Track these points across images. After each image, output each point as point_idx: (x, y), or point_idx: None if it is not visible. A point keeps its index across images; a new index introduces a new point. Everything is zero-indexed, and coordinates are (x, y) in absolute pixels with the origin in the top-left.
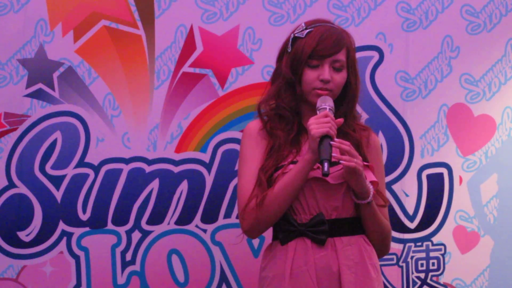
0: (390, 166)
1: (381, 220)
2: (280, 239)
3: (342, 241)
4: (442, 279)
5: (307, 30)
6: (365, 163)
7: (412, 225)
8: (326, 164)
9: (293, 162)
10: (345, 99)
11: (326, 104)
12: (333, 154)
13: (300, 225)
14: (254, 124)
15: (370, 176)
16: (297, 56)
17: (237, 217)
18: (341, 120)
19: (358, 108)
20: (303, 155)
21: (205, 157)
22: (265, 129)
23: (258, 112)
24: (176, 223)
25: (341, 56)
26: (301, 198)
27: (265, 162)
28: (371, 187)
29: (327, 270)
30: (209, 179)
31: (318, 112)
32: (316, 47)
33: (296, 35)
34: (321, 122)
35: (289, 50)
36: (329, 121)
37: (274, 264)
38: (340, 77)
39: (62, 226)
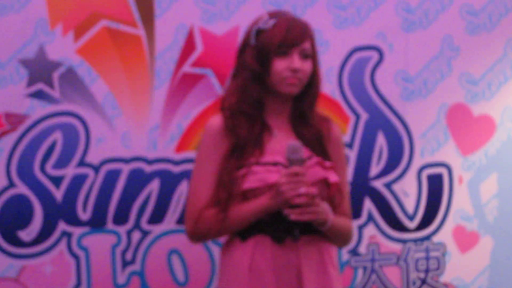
0: (390, 166)
1: (342, 230)
2: (240, 235)
3: (302, 239)
4: (442, 279)
5: (272, 21)
6: (328, 165)
7: (412, 225)
8: (297, 231)
9: (258, 164)
10: (311, 89)
11: (298, 154)
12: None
13: (260, 222)
14: (216, 122)
15: (331, 177)
16: (265, 47)
17: None
18: (315, 192)
19: (358, 108)
20: (265, 197)
21: None
22: (227, 126)
23: (222, 109)
24: (176, 223)
25: (308, 45)
26: None
27: (227, 163)
28: (329, 212)
29: (287, 268)
30: None
31: (289, 163)
32: (285, 36)
33: (260, 27)
34: (294, 182)
35: (253, 42)
36: (300, 180)
37: (233, 260)
38: (308, 66)
39: (62, 226)
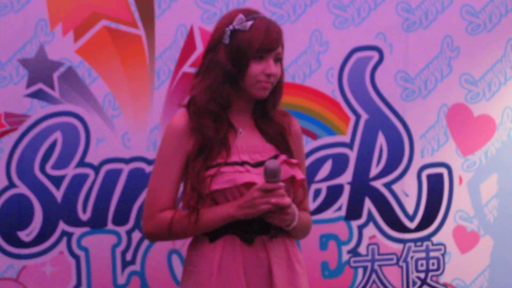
0: (390, 166)
1: (304, 226)
2: (209, 236)
3: (269, 238)
4: (442, 279)
5: (249, 23)
6: (294, 162)
7: (412, 225)
8: (274, 231)
9: (227, 164)
10: (276, 90)
11: (276, 178)
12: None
13: (229, 224)
14: (179, 120)
15: (298, 174)
16: (242, 49)
17: None
18: (289, 202)
19: (358, 108)
20: (231, 205)
21: None
22: (192, 126)
23: (188, 107)
24: None
25: (281, 49)
26: (230, 198)
27: (194, 164)
28: (296, 212)
29: (256, 267)
30: None
31: (265, 179)
32: (264, 40)
33: (236, 27)
34: (267, 197)
35: (227, 41)
36: (273, 195)
37: (201, 260)
38: (279, 69)
39: (62, 226)
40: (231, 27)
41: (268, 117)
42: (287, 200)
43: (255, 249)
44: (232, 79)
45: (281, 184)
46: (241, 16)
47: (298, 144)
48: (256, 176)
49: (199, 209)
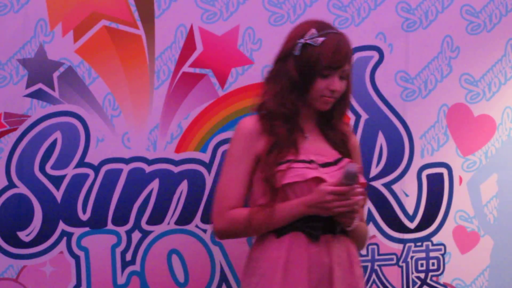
0: (390, 166)
1: (362, 232)
2: (276, 232)
3: (332, 238)
4: (442, 279)
5: (321, 39)
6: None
7: (412, 225)
8: (339, 227)
9: (298, 161)
10: (343, 103)
11: (354, 180)
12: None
13: (296, 220)
14: (250, 122)
15: (362, 178)
16: (310, 64)
17: None
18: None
19: (358, 108)
20: (300, 201)
21: (205, 157)
22: (265, 126)
23: (258, 110)
24: (176, 223)
25: (348, 66)
26: (298, 193)
27: (266, 158)
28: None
29: (319, 266)
30: (209, 179)
31: (344, 180)
32: (332, 59)
33: (307, 41)
34: (341, 200)
35: (297, 53)
36: (346, 199)
37: (267, 255)
38: (344, 85)
39: (62, 226)
40: (302, 40)
41: (333, 125)
42: (360, 198)
43: (319, 248)
44: (299, 89)
45: (358, 187)
46: (313, 31)
47: (357, 154)
48: (325, 175)
49: (273, 203)
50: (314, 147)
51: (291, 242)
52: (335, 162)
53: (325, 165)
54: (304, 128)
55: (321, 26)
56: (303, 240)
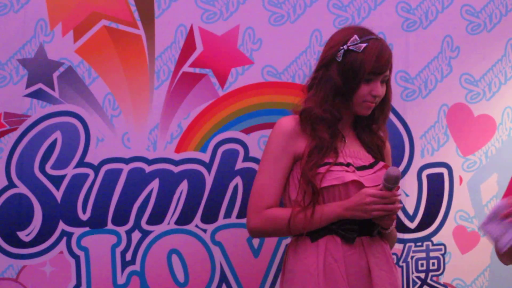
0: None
1: (394, 233)
2: (311, 236)
3: (368, 240)
4: (442, 279)
5: (363, 45)
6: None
7: (412, 225)
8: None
9: (336, 164)
10: (385, 106)
11: (396, 184)
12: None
13: (331, 223)
14: (290, 122)
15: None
16: (354, 70)
17: (237, 217)
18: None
19: None
20: (342, 204)
21: (205, 157)
22: (306, 128)
23: (302, 114)
24: (176, 223)
25: (388, 71)
26: (336, 195)
27: (308, 159)
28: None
29: (357, 267)
30: (209, 179)
31: (386, 183)
32: (375, 65)
33: (350, 48)
34: (381, 204)
35: (339, 59)
36: (387, 203)
37: (304, 260)
38: (385, 90)
39: (62, 226)
40: (345, 46)
41: (370, 130)
42: (400, 206)
43: (355, 249)
44: (342, 94)
45: (398, 192)
46: (356, 37)
47: (389, 161)
48: (362, 178)
49: (314, 204)
50: (351, 150)
51: (327, 245)
52: (370, 166)
53: (361, 168)
54: (342, 132)
55: (362, 32)
56: (338, 243)
